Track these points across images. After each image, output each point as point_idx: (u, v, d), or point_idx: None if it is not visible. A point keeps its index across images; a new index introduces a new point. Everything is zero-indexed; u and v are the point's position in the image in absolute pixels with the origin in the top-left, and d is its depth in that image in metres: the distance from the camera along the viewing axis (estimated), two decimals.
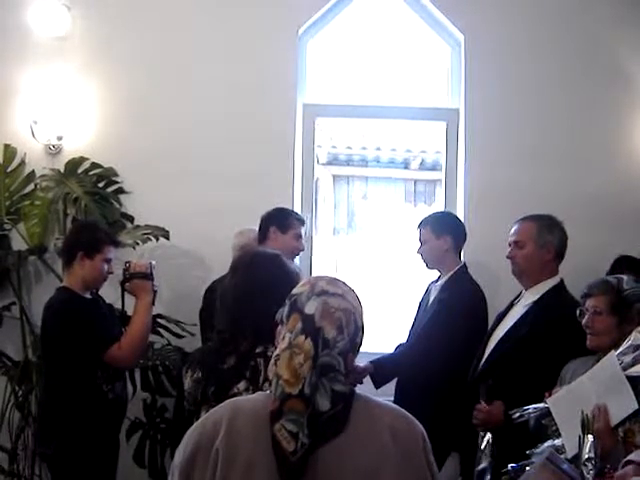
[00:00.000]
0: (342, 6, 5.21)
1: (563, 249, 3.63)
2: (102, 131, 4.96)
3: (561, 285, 3.60)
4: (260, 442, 1.78)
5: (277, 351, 1.86)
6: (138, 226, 4.78)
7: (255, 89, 4.97)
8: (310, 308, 1.85)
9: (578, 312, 3.10)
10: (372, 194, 6.93)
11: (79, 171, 4.89)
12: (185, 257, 4.93)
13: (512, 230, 3.70)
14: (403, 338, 4.22)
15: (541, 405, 2.94)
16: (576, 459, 2.52)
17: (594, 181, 4.94)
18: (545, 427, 2.90)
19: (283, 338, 1.86)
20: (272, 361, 1.86)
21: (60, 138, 4.90)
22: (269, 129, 4.95)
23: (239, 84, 4.98)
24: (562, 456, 2.57)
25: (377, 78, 5.56)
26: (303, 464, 1.76)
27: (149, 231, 4.64)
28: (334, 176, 6.90)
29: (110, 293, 3.89)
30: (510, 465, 2.77)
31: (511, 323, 3.59)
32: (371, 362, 3.95)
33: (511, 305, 3.71)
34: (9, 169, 4.88)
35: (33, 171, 4.90)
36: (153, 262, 3.73)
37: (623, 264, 4.18)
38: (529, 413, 3.00)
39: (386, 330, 4.98)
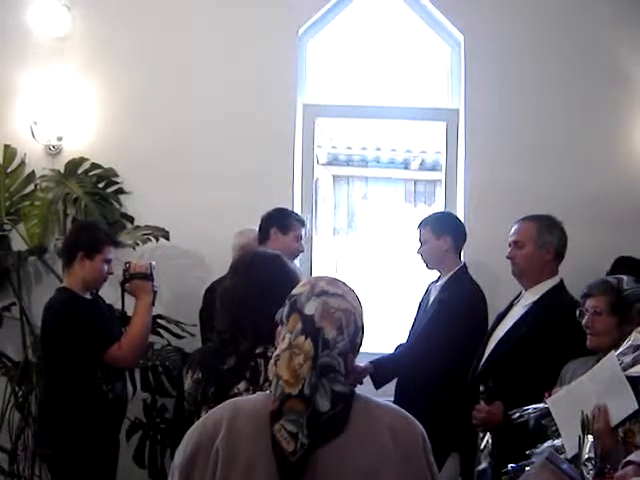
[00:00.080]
0: (342, 6, 5.21)
1: (563, 249, 3.63)
2: (102, 131, 4.96)
3: (561, 285, 3.60)
4: (260, 442, 1.78)
5: (277, 351, 1.86)
6: (138, 226, 4.78)
7: (255, 89, 4.97)
8: (310, 308, 1.85)
9: (578, 312, 3.10)
10: (372, 194, 6.93)
11: (79, 171, 4.89)
12: (185, 257, 4.93)
13: (512, 230, 3.70)
14: (403, 338, 4.22)
15: (541, 405, 2.94)
16: (576, 459, 2.52)
17: (594, 181, 4.94)
18: (545, 427, 2.90)
19: (283, 338, 1.86)
20: (272, 361, 1.86)
21: (60, 138, 4.90)
22: (269, 129, 4.95)
23: (239, 84, 4.98)
24: (562, 456, 2.57)
25: (377, 78, 5.56)
26: (303, 464, 1.76)
27: (149, 231, 4.65)
28: (334, 176, 6.90)
29: (110, 293, 3.89)
30: (510, 465, 2.77)
31: (511, 323, 3.59)
32: (371, 362, 3.95)
33: (511, 305, 3.71)
34: (9, 169, 4.88)
35: (33, 171, 4.90)
36: (153, 262, 3.73)
37: (623, 265, 4.18)
38: (529, 413, 3.00)
39: (386, 330, 4.98)
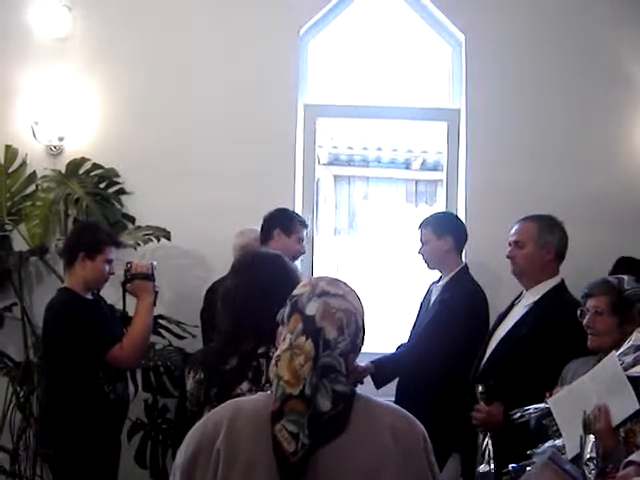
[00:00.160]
0: (343, 6, 5.22)
1: (563, 249, 3.63)
2: (103, 132, 4.96)
3: (562, 285, 3.60)
4: (261, 442, 1.78)
5: (278, 352, 1.86)
6: (139, 227, 4.78)
7: (256, 89, 4.97)
8: (311, 309, 1.85)
9: (579, 312, 3.10)
10: (373, 194, 6.93)
11: (80, 172, 4.89)
12: (186, 258, 4.93)
13: (512, 230, 3.70)
14: (404, 338, 4.23)
15: (542, 405, 2.94)
16: (577, 459, 2.52)
17: (594, 181, 4.94)
18: (546, 427, 2.90)
19: (284, 339, 1.86)
20: (273, 362, 1.86)
21: (61, 139, 4.90)
22: (270, 129, 4.95)
23: (240, 84, 4.98)
24: (563, 456, 2.57)
25: (378, 78, 5.56)
26: (303, 465, 1.76)
27: (150, 232, 4.65)
28: (335, 176, 6.89)
29: (111, 294, 3.89)
30: (511, 465, 2.77)
31: (512, 323, 3.59)
32: (372, 362, 3.95)
33: (512, 305, 3.71)
34: (10, 170, 4.88)
35: (34, 172, 4.90)
36: (154, 263, 3.73)
37: (624, 265, 4.17)
38: (530, 413, 2.99)
39: (387, 330, 4.97)
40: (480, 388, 3.41)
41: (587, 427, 2.50)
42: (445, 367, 3.75)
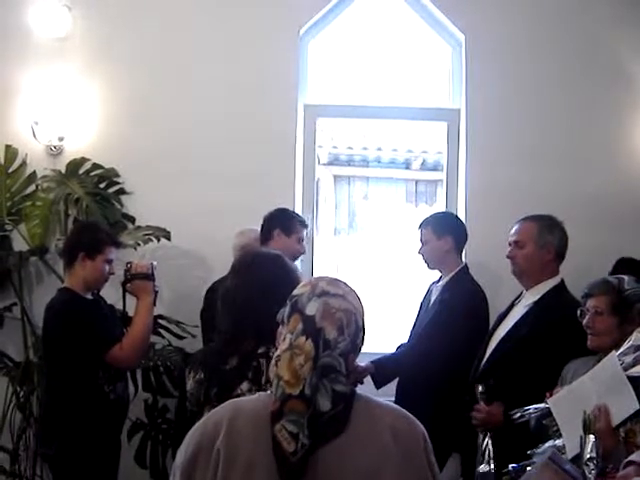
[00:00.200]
0: (343, 6, 5.22)
1: (563, 249, 3.63)
2: (103, 132, 4.96)
3: (562, 285, 3.60)
4: (260, 443, 1.78)
5: (278, 352, 1.86)
6: (139, 227, 4.78)
7: (256, 89, 4.97)
8: (311, 309, 1.85)
9: (579, 312, 3.10)
10: (373, 194, 6.93)
11: (80, 172, 4.89)
12: (186, 258, 4.93)
13: (512, 230, 3.70)
14: (404, 338, 4.23)
15: (542, 405, 2.94)
16: (577, 459, 2.52)
17: (594, 181, 4.94)
18: (546, 427, 2.90)
19: (284, 339, 1.86)
20: (273, 362, 1.86)
21: (61, 139, 4.90)
22: (270, 129, 4.95)
23: (240, 84, 4.98)
24: (563, 456, 2.57)
25: (378, 78, 5.56)
26: (303, 465, 1.76)
27: (150, 232, 4.65)
28: (335, 176, 6.89)
29: (111, 294, 3.89)
30: (511, 465, 2.77)
31: (512, 323, 3.59)
32: (372, 362, 3.95)
33: (512, 305, 3.71)
34: (10, 170, 4.88)
35: (34, 172, 4.90)
36: (154, 263, 3.73)
37: (624, 266, 4.17)
38: (530, 413, 2.99)
39: (387, 330, 4.97)
40: (480, 388, 3.41)
41: (587, 427, 2.50)
42: (445, 367, 3.75)
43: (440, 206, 5.39)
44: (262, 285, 2.53)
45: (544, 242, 3.59)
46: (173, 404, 4.55)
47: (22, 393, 4.61)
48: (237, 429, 1.81)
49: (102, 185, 4.90)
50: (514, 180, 4.93)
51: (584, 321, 3.06)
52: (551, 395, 2.93)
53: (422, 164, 6.88)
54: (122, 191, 4.94)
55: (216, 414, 1.89)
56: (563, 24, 5.02)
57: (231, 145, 4.95)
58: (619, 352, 2.76)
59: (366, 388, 3.56)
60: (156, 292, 3.70)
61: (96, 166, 4.91)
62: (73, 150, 4.92)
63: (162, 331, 4.57)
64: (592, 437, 2.46)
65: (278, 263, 2.65)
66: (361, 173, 6.97)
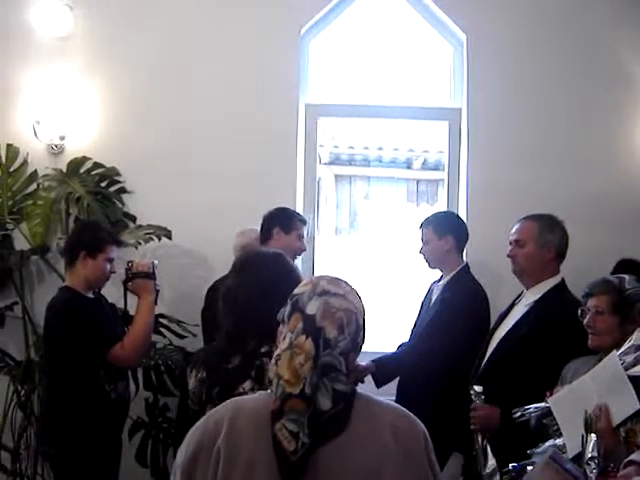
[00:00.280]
0: (344, 6, 5.22)
1: (564, 249, 3.63)
2: (104, 131, 4.97)
3: (562, 285, 3.60)
4: (261, 442, 1.79)
5: (278, 351, 1.86)
6: (140, 226, 4.79)
7: (257, 89, 4.97)
8: (311, 308, 1.85)
9: (580, 312, 3.10)
10: (374, 194, 6.92)
11: (81, 171, 4.89)
12: (187, 257, 4.94)
13: (513, 229, 3.70)
14: (405, 338, 4.23)
15: (542, 404, 2.94)
16: (577, 458, 2.52)
17: (594, 181, 4.94)
18: (546, 426, 2.90)
19: (284, 338, 1.86)
20: (273, 361, 1.86)
21: (62, 138, 4.90)
22: (271, 129, 4.95)
23: (241, 84, 4.98)
24: (563, 456, 2.57)
25: (379, 78, 5.56)
26: (304, 464, 1.76)
27: (151, 231, 4.65)
28: (336, 176, 6.89)
29: (112, 293, 3.89)
30: (511, 465, 2.76)
31: (512, 323, 3.59)
32: (373, 361, 3.96)
33: (512, 305, 3.71)
34: (12, 169, 4.88)
35: (35, 171, 4.91)
36: (155, 261, 3.74)
37: (624, 268, 4.16)
38: (530, 412, 2.99)
39: (388, 330, 4.97)
40: (477, 389, 3.41)
41: (588, 426, 2.50)
42: (446, 366, 3.75)
43: (441, 206, 5.39)
44: (263, 284, 2.53)
45: (545, 241, 3.59)
46: (174, 403, 4.55)
47: (23, 392, 4.62)
48: (238, 428, 1.82)
49: (103, 184, 4.91)
50: (515, 179, 4.93)
51: (585, 320, 3.06)
52: (551, 394, 2.93)
53: (423, 163, 6.87)
54: (123, 190, 4.94)
55: (217, 413, 1.89)
56: (564, 24, 5.02)
57: (232, 145, 4.95)
58: (620, 352, 2.76)
59: (367, 387, 3.56)
60: (157, 291, 3.70)
61: (97, 165, 4.91)
62: (74, 149, 4.93)
63: (163, 330, 4.57)
64: (594, 436, 2.47)
65: (279, 262, 2.65)
66: (362, 172, 6.96)
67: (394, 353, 4.18)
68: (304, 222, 4.30)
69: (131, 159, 4.92)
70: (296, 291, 1.92)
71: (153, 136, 4.95)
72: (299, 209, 4.88)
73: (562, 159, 4.98)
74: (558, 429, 2.81)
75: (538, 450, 2.81)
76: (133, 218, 4.88)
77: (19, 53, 4.92)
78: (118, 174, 4.93)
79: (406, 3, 5.19)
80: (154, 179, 4.90)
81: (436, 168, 6.53)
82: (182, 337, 4.59)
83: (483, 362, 3.61)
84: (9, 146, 4.88)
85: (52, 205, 4.77)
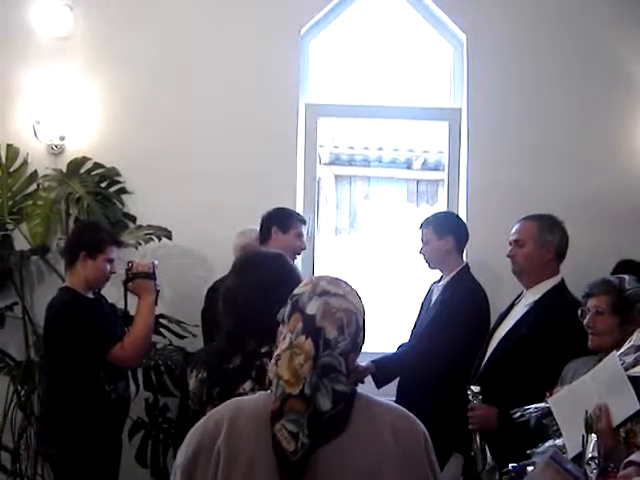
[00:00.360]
0: (344, 6, 5.22)
1: (564, 249, 3.63)
2: (104, 131, 4.97)
3: (562, 285, 3.60)
4: (261, 442, 1.79)
5: (278, 351, 1.86)
6: (140, 226, 4.79)
7: (257, 89, 4.97)
8: (311, 308, 1.85)
9: (580, 312, 3.10)
10: (374, 194, 6.92)
11: (81, 171, 4.89)
12: (187, 257, 4.94)
13: (513, 229, 3.70)
14: (405, 338, 4.23)
15: (542, 405, 2.94)
16: (578, 459, 2.52)
17: (594, 181, 4.95)
18: (546, 427, 2.90)
19: (284, 338, 1.86)
20: (273, 361, 1.86)
21: (63, 138, 4.90)
22: (271, 129, 4.95)
23: (241, 84, 4.98)
24: (564, 456, 2.57)
25: (379, 78, 5.56)
26: (303, 464, 1.76)
27: (151, 231, 4.65)
28: (336, 176, 6.89)
29: (113, 293, 3.89)
30: (511, 465, 2.76)
31: (512, 323, 3.59)
32: (373, 362, 3.96)
33: (512, 305, 3.71)
34: (12, 169, 4.88)
35: (35, 171, 4.91)
36: (155, 262, 3.74)
37: (624, 268, 4.16)
38: (530, 413, 2.99)
39: (388, 330, 4.97)
40: (474, 389, 3.40)
41: (589, 426, 2.50)
42: (446, 367, 3.75)
43: (441, 206, 5.39)
44: (263, 284, 2.53)
45: (544, 241, 3.59)
46: (174, 403, 4.55)
47: (23, 392, 4.62)
48: (238, 428, 1.82)
49: (103, 184, 4.90)
50: (515, 180, 4.93)
51: (585, 321, 3.06)
52: (551, 395, 2.93)
53: (423, 164, 6.87)
54: (123, 190, 4.94)
55: (217, 413, 1.89)
56: (564, 24, 5.02)
57: (232, 145, 4.95)
58: (620, 352, 2.76)
59: (367, 388, 3.56)
60: (157, 291, 3.70)
61: (97, 165, 4.91)
62: (74, 149, 4.93)
63: (163, 330, 4.57)
64: (594, 436, 2.47)
65: (279, 262, 2.65)
66: (362, 173, 6.96)
67: (394, 353, 4.18)
68: (303, 221, 4.29)
69: (131, 159, 4.92)
70: (296, 291, 1.92)
71: (153, 136, 4.95)
72: (299, 209, 4.87)
73: (562, 159, 4.99)
74: (558, 429, 2.81)
75: (538, 450, 2.81)
76: (133, 218, 4.88)
77: (19, 53, 4.92)
78: (118, 174, 4.93)
79: (406, 3, 5.19)
80: (154, 179, 4.90)
81: (436, 168, 6.53)
82: (182, 337, 4.59)
83: (483, 362, 3.61)
84: (9, 146, 4.88)
85: (52, 205, 4.77)
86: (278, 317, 1.93)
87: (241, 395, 2.31)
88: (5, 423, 4.58)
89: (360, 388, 1.93)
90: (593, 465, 2.43)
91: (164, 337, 4.61)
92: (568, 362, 3.16)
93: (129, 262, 3.70)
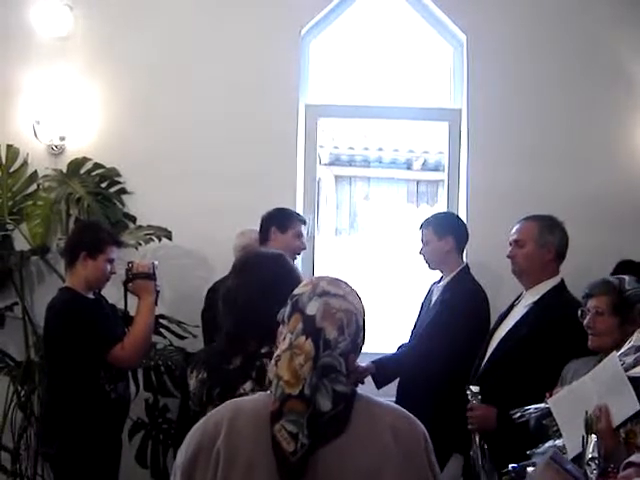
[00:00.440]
0: (345, 6, 5.22)
1: (564, 249, 3.63)
2: (104, 131, 4.97)
3: (562, 285, 3.60)
4: (260, 443, 1.79)
5: (278, 352, 1.86)
6: (140, 226, 4.79)
7: (257, 89, 4.97)
8: (311, 309, 1.85)
9: (580, 312, 3.09)
10: (374, 194, 6.92)
11: (82, 171, 4.90)
12: (187, 257, 4.94)
13: (513, 229, 3.71)
14: (405, 339, 4.23)
15: (542, 405, 2.94)
16: (577, 459, 2.52)
17: (594, 181, 4.94)
18: (546, 427, 2.90)
19: (284, 339, 1.86)
20: (272, 362, 1.86)
21: (63, 138, 4.90)
22: (271, 129, 4.95)
23: (241, 84, 4.98)
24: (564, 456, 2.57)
25: (379, 78, 5.56)
26: (303, 465, 1.76)
27: (152, 231, 4.65)
28: (336, 176, 6.89)
29: (113, 293, 3.89)
30: (511, 465, 2.76)
31: (512, 323, 3.59)
32: (373, 362, 3.96)
33: (512, 306, 3.71)
34: (12, 169, 4.88)
35: (36, 171, 4.91)
36: (155, 262, 3.73)
37: (624, 269, 4.16)
38: (530, 413, 2.99)
39: (388, 330, 4.97)
40: (473, 388, 3.40)
41: (589, 427, 2.50)
42: (446, 367, 3.75)
43: (441, 206, 5.39)
44: (263, 285, 2.52)
45: (544, 242, 3.59)
46: (174, 404, 4.55)
47: (23, 392, 4.62)
48: (237, 429, 1.82)
49: (103, 185, 4.91)
50: (515, 180, 4.93)
51: (585, 321, 3.06)
52: (551, 395, 2.93)
53: (423, 164, 6.87)
54: (123, 191, 4.94)
55: (216, 414, 1.89)
56: (564, 24, 5.02)
57: (232, 145, 4.95)
58: (620, 352, 2.76)
59: (367, 388, 3.56)
60: (157, 292, 3.70)
61: (97, 166, 4.91)
62: (74, 150, 4.93)
63: (163, 331, 4.57)
64: (594, 437, 2.46)
65: (279, 263, 2.64)
66: (362, 173, 6.96)
67: (394, 354, 4.18)
68: (302, 221, 4.29)
69: (131, 160, 4.92)
70: (296, 292, 1.92)
71: (153, 136, 4.95)
72: (299, 210, 4.87)
73: (562, 159, 4.98)
74: (558, 430, 2.81)
75: (538, 451, 2.81)
76: (133, 219, 4.88)
77: (19, 53, 4.92)
78: (118, 175, 4.93)
79: (406, 4, 5.19)
80: (154, 179, 4.90)
81: (436, 169, 6.54)
82: (182, 338, 4.59)
83: (483, 363, 3.61)
84: (9, 147, 4.88)
85: (52, 206, 4.77)
86: (278, 317, 1.93)
87: (241, 396, 2.30)
88: (5, 423, 4.58)
89: (360, 389, 1.93)
90: (593, 465, 2.43)
91: (164, 337, 4.61)
92: (568, 362, 3.16)
93: (129, 262, 3.70)
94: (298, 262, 4.43)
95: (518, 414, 3.01)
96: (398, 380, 4.08)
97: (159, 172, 4.90)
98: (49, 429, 3.66)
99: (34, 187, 4.89)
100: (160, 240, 4.64)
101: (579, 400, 2.74)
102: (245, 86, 4.97)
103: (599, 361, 2.89)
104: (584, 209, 4.78)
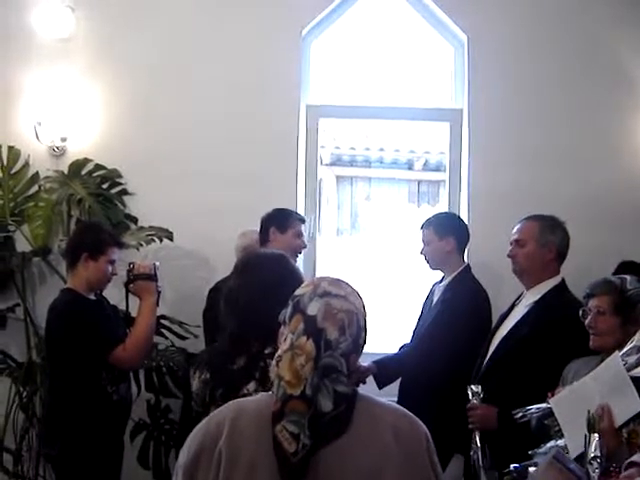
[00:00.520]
0: (346, 7, 5.22)
1: (565, 249, 3.63)
2: (106, 132, 4.97)
3: (562, 285, 3.60)
4: (262, 443, 1.78)
5: (279, 352, 1.86)
6: (142, 227, 4.79)
7: (258, 90, 4.98)
8: (312, 309, 1.85)
9: (581, 312, 3.09)
10: (375, 195, 6.92)
11: (83, 172, 4.90)
12: (189, 258, 4.94)
13: (514, 229, 3.71)
14: (407, 339, 4.23)
15: (544, 405, 2.93)
16: (580, 459, 2.52)
17: (595, 181, 4.95)
18: (547, 427, 2.90)
19: (285, 339, 1.86)
20: (274, 362, 1.86)
21: (64, 139, 4.91)
22: (272, 130, 4.96)
23: (242, 85, 4.98)
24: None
25: (380, 79, 5.55)
26: (304, 465, 1.76)
27: (153, 232, 4.66)
28: (337, 177, 6.88)
29: (114, 294, 3.89)
30: (512, 465, 2.76)
31: (513, 323, 3.59)
32: (374, 362, 3.96)
33: (513, 306, 3.71)
34: (13, 170, 4.89)
35: (37, 172, 4.91)
36: (157, 263, 3.74)
37: (626, 270, 4.15)
38: (531, 413, 2.98)
39: (390, 331, 4.97)
40: (474, 388, 3.40)
41: (591, 426, 2.50)
42: (447, 367, 3.75)
43: (442, 206, 5.39)
44: (264, 285, 2.52)
45: (545, 241, 3.59)
46: (176, 405, 4.55)
47: (25, 394, 4.62)
48: (239, 429, 1.82)
49: (105, 186, 4.91)
50: (516, 180, 4.93)
51: (586, 321, 3.06)
52: (553, 395, 2.93)
53: (424, 164, 6.86)
54: (125, 192, 4.94)
55: (219, 414, 1.89)
56: (564, 24, 5.02)
57: (233, 145, 4.95)
58: (622, 352, 2.75)
59: (368, 388, 3.56)
60: (159, 292, 3.70)
61: (99, 167, 4.92)
62: (76, 151, 4.93)
63: (165, 331, 4.57)
64: (596, 436, 2.46)
65: (280, 263, 2.64)
66: (363, 174, 6.96)
67: (396, 354, 4.18)
68: (302, 220, 4.29)
69: (132, 160, 4.92)
70: (297, 292, 1.92)
71: (154, 137, 4.96)
72: (300, 210, 4.88)
73: (563, 160, 4.98)
74: (559, 430, 2.81)
75: (540, 450, 2.80)
76: (134, 220, 4.88)
77: (20, 55, 4.93)
78: (119, 176, 4.94)
79: (407, 4, 5.19)
80: (155, 180, 4.90)
81: (437, 169, 6.53)
82: (184, 338, 4.59)
83: (484, 362, 3.61)
84: (10, 148, 4.88)
85: (53, 207, 4.78)
86: (279, 318, 1.93)
87: (244, 396, 2.30)
88: (7, 424, 4.59)
89: (362, 389, 1.92)
90: (595, 464, 2.42)
91: (166, 338, 4.62)
92: (569, 362, 3.16)
93: (130, 263, 3.70)
94: (299, 262, 4.43)
95: (520, 414, 3.00)
96: (400, 380, 4.08)
97: (160, 173, 4.90)
98: (51, 430, 3.66)
99: (35, 188, 4.90)
100: (161, 241, 4.64)
101: (581, 400, 2.73)
102: (246, 86, 4.98)
103: (600, 361, 2.89)
104: (585, 209, 4.78)
